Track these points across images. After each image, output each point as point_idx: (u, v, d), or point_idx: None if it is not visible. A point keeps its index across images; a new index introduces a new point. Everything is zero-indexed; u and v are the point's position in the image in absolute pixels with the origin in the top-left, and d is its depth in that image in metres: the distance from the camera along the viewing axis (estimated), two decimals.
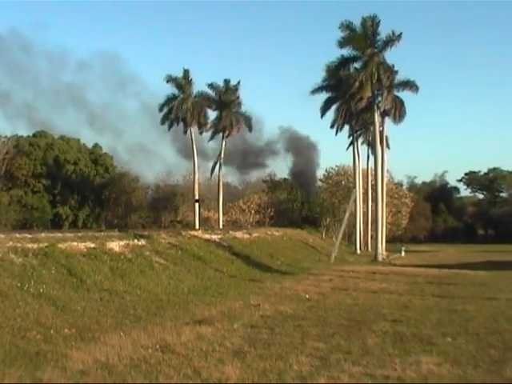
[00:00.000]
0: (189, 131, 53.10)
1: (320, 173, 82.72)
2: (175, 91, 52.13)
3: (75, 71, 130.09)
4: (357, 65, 45.14)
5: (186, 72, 52.58)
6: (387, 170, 70.32)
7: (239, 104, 55.62)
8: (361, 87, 43.60)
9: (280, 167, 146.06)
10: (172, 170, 74.47)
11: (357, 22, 43.43)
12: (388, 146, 59.30)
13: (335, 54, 47.15)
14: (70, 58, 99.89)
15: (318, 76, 52.01)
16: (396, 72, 47.33)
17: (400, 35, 42.67)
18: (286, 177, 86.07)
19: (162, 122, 52.50)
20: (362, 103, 47.55)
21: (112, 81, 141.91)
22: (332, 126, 53.98)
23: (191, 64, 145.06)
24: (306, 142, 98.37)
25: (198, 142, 56.53)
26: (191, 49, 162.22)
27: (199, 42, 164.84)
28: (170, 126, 52.76)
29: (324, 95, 51.77)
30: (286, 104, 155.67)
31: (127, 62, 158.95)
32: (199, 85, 54.34)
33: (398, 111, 49.15)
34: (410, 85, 48.12)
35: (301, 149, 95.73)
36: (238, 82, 55.50)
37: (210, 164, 60.07)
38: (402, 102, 49.53)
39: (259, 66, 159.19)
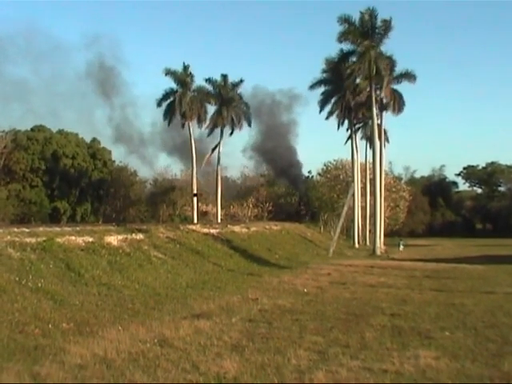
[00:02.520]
0: (187, 126, 53.05)
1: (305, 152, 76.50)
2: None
3: None
4: (355, 59, 45.00)
5: (187, 67, 52.48)
6: (390, 162, 70.18)
7: (241, 100, 55.63)
8: (359, 81, 43.59)
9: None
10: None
11: (356, 17, 43.43)
12: (387, 140, 59.46)
13: (335, 49, 47.28)
14: None
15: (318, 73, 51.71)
16: (394, 64, 47.43)
17: (390, 21, 42.52)
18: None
19: (164, 118, 52.54)
20: (360, 97, 47.61)
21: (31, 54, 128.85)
22: (327, 118, 54.10)
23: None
24: (274, 100, 77.87)
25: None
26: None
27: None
28: (170, 121, 52.77)
29: (323, 89, 51.93)
30: None
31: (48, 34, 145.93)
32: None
33: (396, 103, 49.41)
34: (408, 76, 48.28)
35: (267, 111, 74.09)
36: (241, 80, 55.69)
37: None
38: (400, 95, 49.79)
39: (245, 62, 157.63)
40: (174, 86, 52.10)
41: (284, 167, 70.51)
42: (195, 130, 54.12)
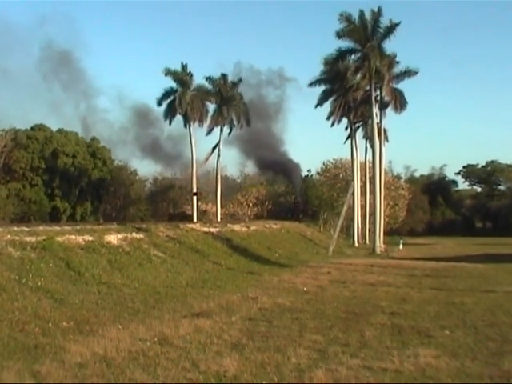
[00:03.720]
0: (187, 125, 53.13)
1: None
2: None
3: None
4: (355, 57, 44.94)
5: (185, 66, 52.56)
6: (390, 161, 70.04)
7: (241, 99, 55.65)
8: (359, 79, 43.55)
9: None
10: None
11: (356, 15, 43.34)
12: (387, 139, 59.47)
13: (333, 39, 46.75)
14: None
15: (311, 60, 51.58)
16: (397, 63, 47.55)
17: (398, 24, 42.33)
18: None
19: (165, 117, 52.68)
20: (360, 96, 47.59)
21: None
22: (328, 118, 54.10)
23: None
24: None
25: None
26: None
27: None
28: (171, 121, 52.95)
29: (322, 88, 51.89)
30: None
31: None
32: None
33: (398, 102, 49.43)
34: (408, 73, 48.42)
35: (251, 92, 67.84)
36: (240, 80, 55.67)
37: None
38: (401, 93, 49.82)
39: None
40: (172, 84, 52.42)
41: (268, 157, 66.92)
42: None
